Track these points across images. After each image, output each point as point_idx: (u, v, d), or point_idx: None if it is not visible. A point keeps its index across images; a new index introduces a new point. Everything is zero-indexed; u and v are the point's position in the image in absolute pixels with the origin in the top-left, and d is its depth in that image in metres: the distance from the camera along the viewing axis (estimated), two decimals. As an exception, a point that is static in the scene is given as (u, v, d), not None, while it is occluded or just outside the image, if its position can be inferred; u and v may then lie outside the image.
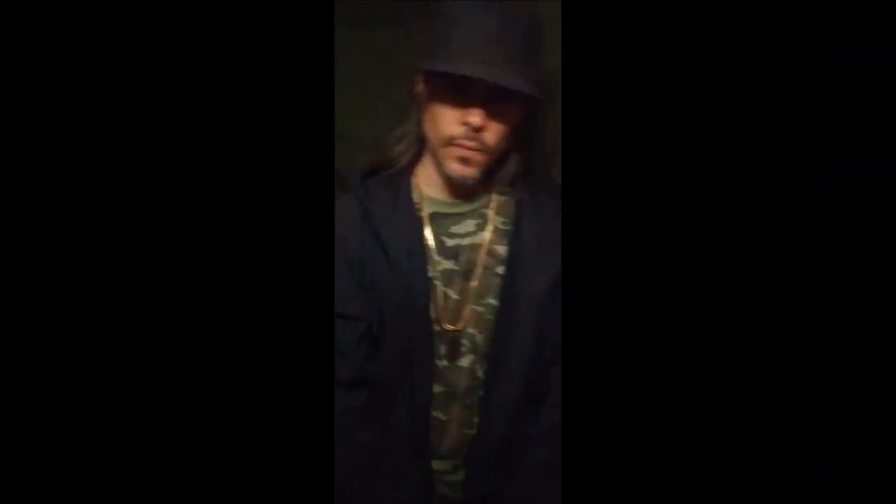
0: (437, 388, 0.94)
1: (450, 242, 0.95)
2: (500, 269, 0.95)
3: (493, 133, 0.89)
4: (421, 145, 0.96)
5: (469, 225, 0.96)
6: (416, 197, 0.97)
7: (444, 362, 0.94)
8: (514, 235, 0.95)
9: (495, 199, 0.97)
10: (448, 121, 0.89)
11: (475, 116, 0.86)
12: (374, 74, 1.34)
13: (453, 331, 0.93)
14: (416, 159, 0.97)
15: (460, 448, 0.95)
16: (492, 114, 0.88)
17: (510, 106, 0.89)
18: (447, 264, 0.95)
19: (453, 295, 0.94)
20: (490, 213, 0.97)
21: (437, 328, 0.93)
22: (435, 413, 0.94)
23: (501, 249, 0.95)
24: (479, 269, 0.95)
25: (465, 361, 0.94)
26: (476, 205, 0.97)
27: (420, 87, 0.92)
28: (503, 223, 0.96)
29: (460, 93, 0.87)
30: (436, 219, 0.96)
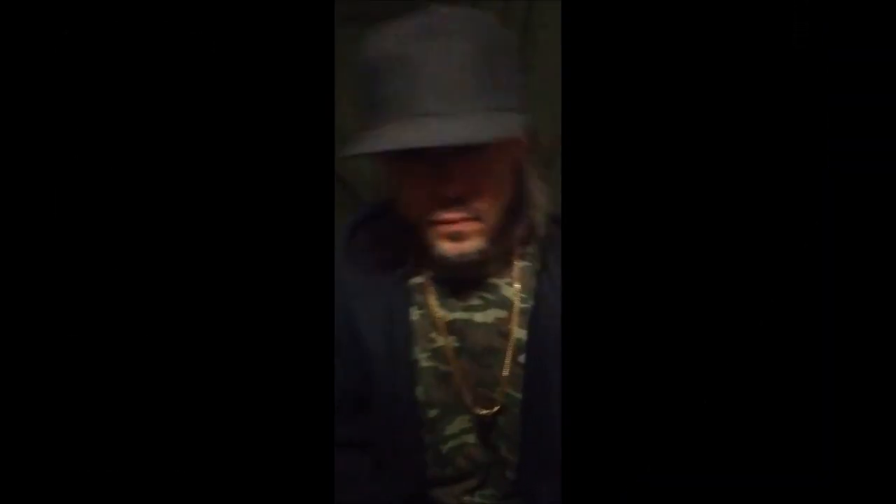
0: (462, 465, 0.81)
1: (450, 316, 0.79)
2: (521, 358, 0.79)
3: (482, 195, 0.70)
4: (409, 230, 0.76)
5: (472, 297, 0.79)
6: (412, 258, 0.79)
7: (473, 445, 0.81)
8: (533, 314, 0.78)
9: (515, 265, 0.79)
10: (419, 202, 0.71)
11: (451, 185, 0.68)
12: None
13: (488, 415, 0.78)
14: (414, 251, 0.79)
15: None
16: (467, 174, 0.69)
17: (493, 154, 0.70)
18: (447, 342, 0.79)
19: (458, 376, 0.78)
20: (500, 282, 0.79)
21: (436, 416, 0.79)
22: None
23: (517, 332, 0.78)
24: (500, 353, 0.78)
25: (470, 439, 0.80)
26: (484, 271, 0.79)
27: (380, 169, 0.75)
28: (522, 300, 0.79)
29: (426, 159, 0.68)
30: (432, 284, 0.79)
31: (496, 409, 0.78)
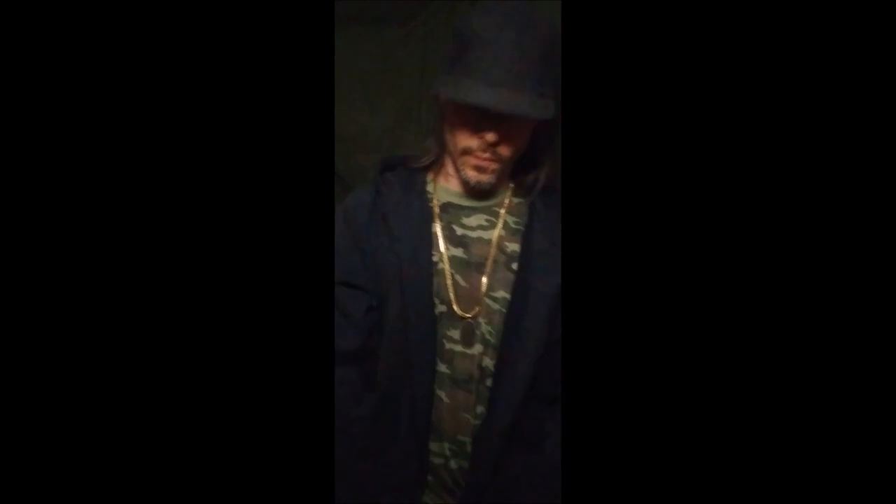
0: (442, 369, 0.96)
1: (459, 231, 0.99)
2: (513, 265, 0.97)
3: (508, 146, 0.93)
4: (442, 149, 1.00)
5: (480, 219, 1.00)
6: (430, 188, 1.01)
7: (458, 347, 0.96)
8: (525, 235, 0.99)
9: (509, 200, 1.01)
10: (464, 135, 0.93)
11: (489, 134, 0.90)
12: (375, 74, 1.35)
13: (467, 318, 0.96)
14: (436, 161, 1.01)
15: (460, 434, 0.96)
16: (507, 130, 0.91)
17: (525, 123, 0.93)
18: (455, 251, 0.98)
19: (462, 283, 0.97)
20: (502, 211, 1.00)
21: (446, 310, 0.96)
22: (438, 392, 0.96)
23: (514, 246, 0.98)
24: (489, 263, 0.97)
25: (474, 350, 0.96)
26: (489, 203, 1.01)
27: (439, 101, 0.96)
28: (515, 222, 1.00)
29: (475, 111, 0.90)
30: (447, 209, 1.00)
31: (475, 312, 0.97)
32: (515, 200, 1.01)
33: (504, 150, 0.93)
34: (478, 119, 0.91)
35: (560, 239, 0.94)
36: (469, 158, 0.95)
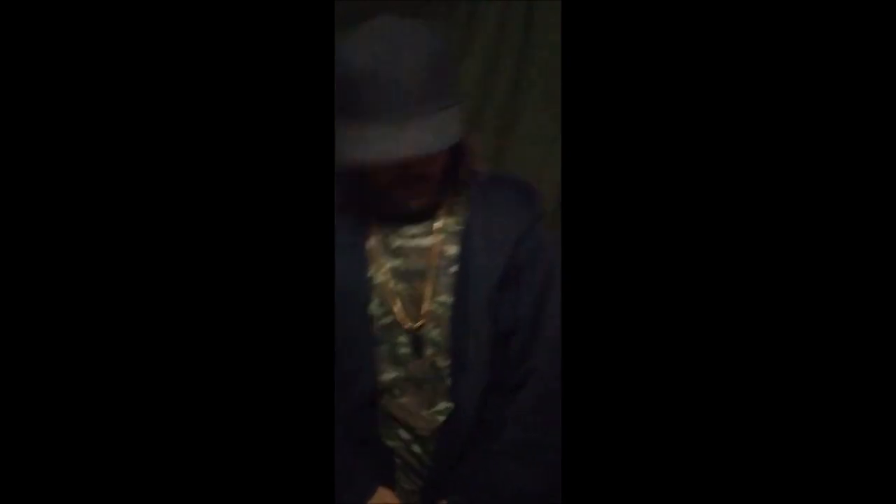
0: (398, 374, 0.97)
1: (396, 243, 0.97)
2: (453, 269, 0.97)
3: (433, 167, 0.90)
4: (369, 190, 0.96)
5: (416, 227, 0.98)
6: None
7: (409, 350, 0.97)
8: (463, 234, 0.98)
9: (452, 203, 0.99)
10: (381, 178, 0.90)
11: (409, 171, 0.87)
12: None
13: (414, 328, 0.97)
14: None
15: (420, 428, 0.98)
16: (421, 162, 0.87)
17: (434, 165, 0.90)
18: (395, 262, 0.97)
19: (406, 293, 0.97)
20: (439, 213, 0.99)
21: (391, 321, 0.97)
22: (400, 400, 0.97)
23: (452, 250, 0.98)
24: (431, 271, 0.97)
25: (427, 352, 0.97)
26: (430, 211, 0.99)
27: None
28: (455, 224, 0.99)
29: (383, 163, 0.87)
30: (384, 221, 0.98)
31: (421, 322, 0.97)
32: (455, 199, 0.99)
33: (430, 172, 0.90)
34: (389, 169, 0.87)
35: (494, 229, 0.97)
36: (397, 192, 0.91)
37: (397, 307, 0.96)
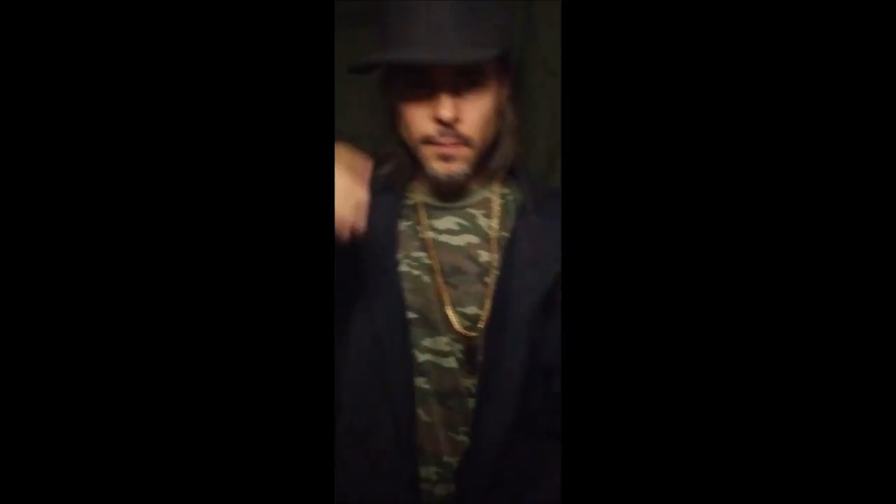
0: (420, 383, 0.89)
1: (424, 234, 0.90)
2: (486, 279, 0.88)
3: (471, 123, 0.84)
4: (405, 149, 0.90)
5: (449, 222, 0.92)
6: (408, 189, 0.93)
7: (432, 357, 0.88)
8: (508, 244, 0.90)
9: (488, 200, 0.92)
10: (418, 119, 0.85)
11: (444, 109, 0.82)
12: (374, 73, 1.34)
13: (470, 335, 0.87)
14: (402, 164, 0.92)
15: (445, 454, 0.89)
16: (463, 102, 0.84)
17: (482, 89, 0.84)
18: (420, 255, 0.90)
19: (429, 291, 0.89)
20: (478, 214, 0.92)
21: (418, 318, 0.89)
22: (418, 410, 0.88)
23: (486, 256, 0.90)
24: (458, 273, 0.90)
25: (450, 362, 0.89)
26: (462, 203, 0.92)
27: (386, 89, 0.89)
28: (493, 227, 0.91)
29: (424, 86, 0.83)
30: (417, 209, 0.92)
31: (476, 333, 0.87)
32: (498, 201, 0.92)
33: (467, 129, 0.84)
34: (429, 95, 0.83)
35: (542, 250, 0.86)
36: (431, 148, 0.85)
37: (434, 306, 0.87)
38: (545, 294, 0.87)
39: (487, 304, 0.87)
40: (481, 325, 0.87)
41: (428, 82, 0.82)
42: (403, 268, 0.89)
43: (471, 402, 0.88)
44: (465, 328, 0.87)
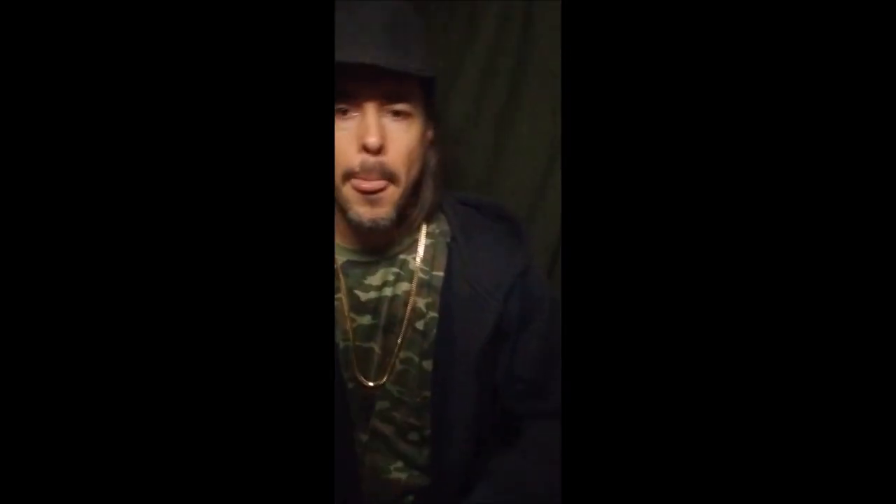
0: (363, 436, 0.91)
1: (363, 297, 0.88)
2: (419, 325, 0.89)
3: (395, 154, 0.81)
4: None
5: (385, 274, 0.89)
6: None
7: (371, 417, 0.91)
8: (443, 284, 0.88)
9: (417, 243, 0.90)
10: (343, 149, 0.80)
11: (371, 136, 0.78)
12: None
13: (370, 387, 0.89)
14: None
15: (408, 492, 0.93)
16: (389, 132, 0.80)
17: (408, 123, 0.82)
18: (362, 320, 0.89)
19: (377, 350, 0.89)
20: (410, 259, 0.90)
21: (353, 386, 0.90)
22: (370, 456, 0.91)
23: (422, 301, 0.89)
24: (403, 322, 0.89)
25: (391, 413, 0.91)
26: (393, 251, 0.90)
27: None
28: (423, 271, 0.89)
29: (352, 111, 0.80)
30: (347, 270, 0.88)
31: (382, 381, 0.88)
32: (428, 242, 0.90)
33: (391, 162, 0.80)
34: (356, 127, 0.79)
35: (483, 279, 0.86)
36: (354, 184, 0.80)
37: (357, 369, 0.87)
38: (492, 326, 0.87)
39: (428, 350, 0.88)
40: (405, 367, 0.88)
41: (356, 108, 0.80)
42: (342, 344, 0.88)
43: (426, 451, 0.90)
44: (372, 377, 0.88)
